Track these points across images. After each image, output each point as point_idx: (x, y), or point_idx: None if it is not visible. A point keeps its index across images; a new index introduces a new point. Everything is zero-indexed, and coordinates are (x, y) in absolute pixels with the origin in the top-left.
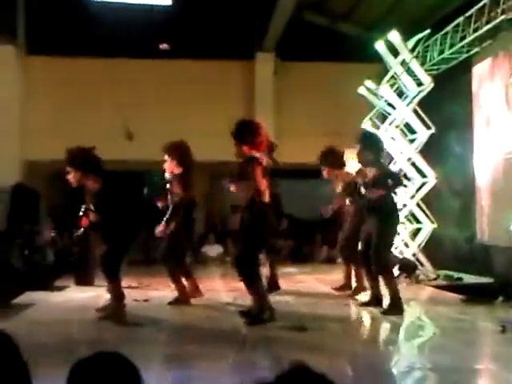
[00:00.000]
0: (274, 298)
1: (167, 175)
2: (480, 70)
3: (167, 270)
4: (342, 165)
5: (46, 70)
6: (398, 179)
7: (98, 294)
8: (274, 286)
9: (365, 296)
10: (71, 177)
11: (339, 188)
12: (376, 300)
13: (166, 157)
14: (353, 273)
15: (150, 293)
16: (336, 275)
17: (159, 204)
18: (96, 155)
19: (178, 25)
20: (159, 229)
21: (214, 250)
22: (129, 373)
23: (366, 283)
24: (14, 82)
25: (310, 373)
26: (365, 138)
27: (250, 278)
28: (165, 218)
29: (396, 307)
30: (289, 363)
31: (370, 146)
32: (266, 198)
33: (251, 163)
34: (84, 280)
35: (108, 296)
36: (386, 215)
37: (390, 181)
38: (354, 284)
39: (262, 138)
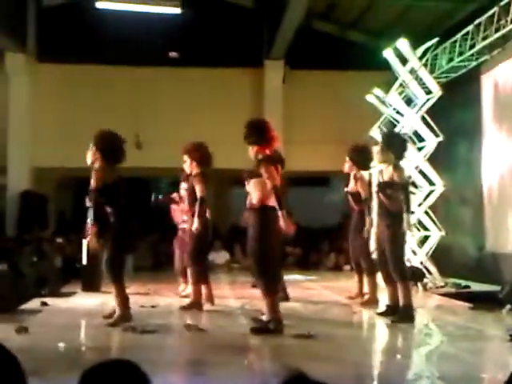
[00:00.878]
0: (281, 306)
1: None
2: (489, 78)
3: (191, 271)
4: (366, 166)
5: (55, 78)
6: (407, 201)
7: (104, 301)
8: (285, 296)
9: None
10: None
11: (351, 186)
12: (392, 308)
13: (186, 157)
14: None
15: (158, 299)
16: (343, 282)
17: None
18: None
19: (187, 33)
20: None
21: (220, 257)
22: (139, 380)
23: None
24: (24, 90)
25: (307, 381)
26: (388, 137)
27: (266, 287)
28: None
29: (407, 316)
30: (288, 372)
31: (392, 145)
32: (271, 201)
33: (262, 162)
34: (91, 286)
35: (114, 302)
36: (396, 219)
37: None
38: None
39: (272, 133)
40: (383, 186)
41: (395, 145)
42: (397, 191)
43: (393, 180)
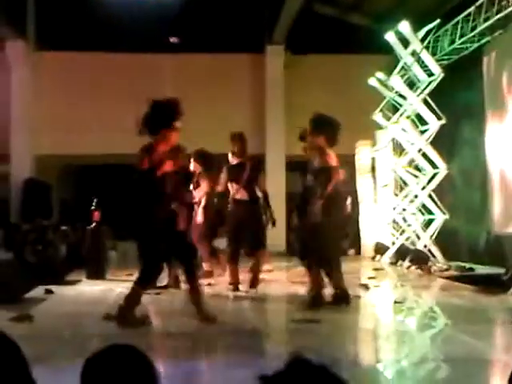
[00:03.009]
0: (282, 291)
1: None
2: (491, 60)
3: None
4: None
5: (55, 65)
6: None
7: (109, 288)
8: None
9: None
10: None
11: None
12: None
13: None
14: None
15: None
16: (348, 267)
17: None
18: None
19: (187, 18)
20: None
21: (223, 242)
22: (143, 366)
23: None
24: (24, 78)
25: (309, 365)
26: (317, 122)
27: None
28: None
29: (343, 299)
30: (288, 356)
31: (323, 130)
32: None
33: None
34: (96, 274)
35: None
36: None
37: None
38: None
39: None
40: (318, 173)
41: (326, 129)
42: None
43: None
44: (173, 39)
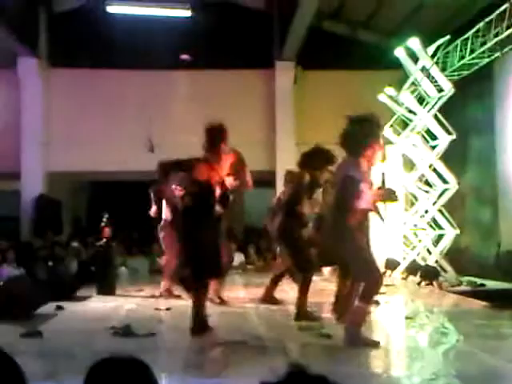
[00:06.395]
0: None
1: None
2: (502, 75)
3: None
4: None
5: (67, 82)
6: None
7: (119, 304)
8: None
9: None
10: None
11: None
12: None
13: None
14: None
15: (173, 301)
16: None
17: None
18: None
19: (198, 36)
20: None
21: (235, 258)
22: (143, 376)
23: None
24: (36, 94)
25: (307, 375)
26: None
27: None
28: None
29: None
30: (288, 367)
31: None
32: None
33: None
34: (106, 290)
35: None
36: None
37: None
38: None
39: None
40: None
41: None
42: None
43: None
44: (184, 56)
